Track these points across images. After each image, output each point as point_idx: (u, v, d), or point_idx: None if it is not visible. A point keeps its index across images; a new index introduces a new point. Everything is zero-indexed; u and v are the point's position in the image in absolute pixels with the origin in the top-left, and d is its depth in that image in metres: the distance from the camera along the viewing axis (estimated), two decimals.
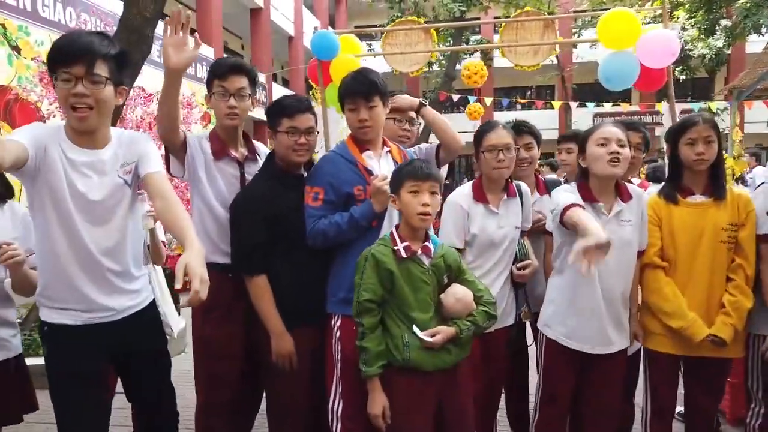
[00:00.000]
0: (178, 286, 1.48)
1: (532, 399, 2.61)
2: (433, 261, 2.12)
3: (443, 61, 17.69)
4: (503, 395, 2.85)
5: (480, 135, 2.47)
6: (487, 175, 2.46)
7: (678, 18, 15.53)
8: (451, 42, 16.89)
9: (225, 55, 14.98)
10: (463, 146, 2.66)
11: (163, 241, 2.76)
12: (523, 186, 2.63)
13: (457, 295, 2.10)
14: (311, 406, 2.36)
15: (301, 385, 2.32)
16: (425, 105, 2.77)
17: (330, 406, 2.28)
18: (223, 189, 2.42)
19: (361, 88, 2.31)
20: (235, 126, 2.44)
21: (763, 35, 13.21)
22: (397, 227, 2.17)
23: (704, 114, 2.44)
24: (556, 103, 15.11)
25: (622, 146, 2.23)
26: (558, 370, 2.35)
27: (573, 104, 15.06)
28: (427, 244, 2.13)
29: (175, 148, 2.38)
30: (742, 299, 2.26)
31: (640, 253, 2.36)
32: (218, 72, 2.39)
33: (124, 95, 1.89)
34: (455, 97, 15.01)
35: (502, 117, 14.67)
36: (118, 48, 1.85)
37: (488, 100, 14.06)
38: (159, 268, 2.91)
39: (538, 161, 3.16)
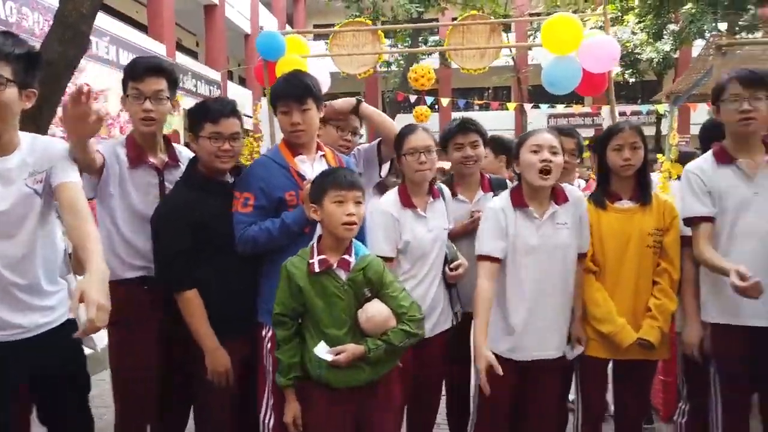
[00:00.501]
0: (71, 315, 1.40)
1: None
2: (351, 275, 2.04)
3: (401, 62, 17.74)
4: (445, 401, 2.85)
5: (400, 138, 2.46)
6: (411, 179, 2.44)
7: (628, 22, 15.98)
8: (410, 42, 16.96)
9: (177, 53, 14.68)
10: None
11: None
12: (444, 188, 2.63)
13: (368, 313, 2.01)
14: (241, 418, 2.30)
15: (230, 397, 2.25)
16: (361, 101, 2.75)
17: (261, 418, 2.23)
18: (134, 203, 2.30)
19: (293, 91, 2.26)
20: (151, 132, 2.32)
21: (707, 40, 13.70)
22: (319, 238, 2.10)
23: (630, 120, 2.49)
24: (511, 105, 15.32)
25: (554, 153, 2.23)
26: (495, 380, 2.34)
27: (527, 105, 15.31)
28: (345, 257, 2.05)
29: (91, 173, 2.21)
30: (667, 302, 2.31)
31: (582, 256, 2.36)
32: (133, 73, 2.26)
33: (32, 98, 1.78)
34: (413, 98, 15.06)
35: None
36: (25, 48, 1.75)
37: (445, 101, 14.16)
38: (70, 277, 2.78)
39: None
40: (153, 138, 2.36)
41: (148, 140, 2.35)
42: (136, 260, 2.30)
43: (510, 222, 2.27)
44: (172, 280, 2.21)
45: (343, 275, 2.04)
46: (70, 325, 2.01)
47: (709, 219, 2.25)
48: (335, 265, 2.03)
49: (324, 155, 2.38)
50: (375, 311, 2.02)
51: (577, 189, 2.48)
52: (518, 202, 2.28)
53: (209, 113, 2.22)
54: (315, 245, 2.07)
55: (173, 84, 2.34)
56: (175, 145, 2.50)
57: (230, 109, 2.25)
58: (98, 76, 8.48)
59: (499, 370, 2.06)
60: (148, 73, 2.25)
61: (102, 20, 10.78)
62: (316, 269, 2.01)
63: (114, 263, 2.24)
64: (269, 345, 2.21)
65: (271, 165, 2.29)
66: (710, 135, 2.81)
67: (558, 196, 2.32)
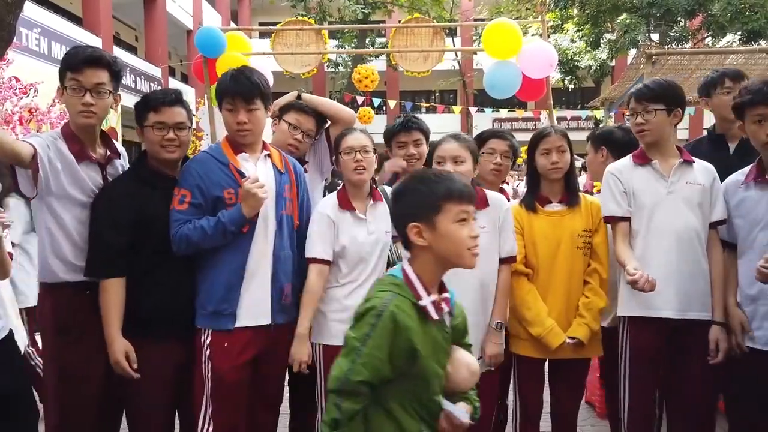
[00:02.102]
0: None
1: None
2: (454, 321, 1.56)
3: (349, 63, 17.74)
4: None
5: (338, 139, 2.47)
6: (349, 179, 2.44)
7: (567, 30, 16.54)
8: (356, 43, 16.98)
9: (115, 47, 14.14)
10: (353, 116, 2.76)
11: (9, 253, 2.48)
12: (389, 191, 2.64)
13: (472, 366, 1.56)
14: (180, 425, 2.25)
15: (164, 404, 2.19)
16: (302, 92, 2.77)
17: (199, 427, 2.16)
18: (80, 200, 2.16)
19: (241, 89, 2.20)
20: (91, 125, 2.19)
21: (640, 49, 14.35)
22: (409, 261, 1.55)
23: (556, 125, 2.59)
24: (456, 108, 15.58)
25: (457, 162, 2.26)
26: None
27: (472, 109, 15.60)
28: (446, 294, 1.54)
29: (24, 165, 2.04)
30: (596, 299, 2.40)
31: (510, 260, 2.36)
32: (72, 63, 2.10)
33: None
34: (360, 99, 15.08)
35: None
36: None
37: (392, 103, 14.25)
38: (3, 282, 2.64)
39: None
40: (92, 131, 2.23)
41: (87, 134, 2.21)
42: (80, 261, 2.17)
43: None
44: (97, 266, 2.13)
45: (447, 320, 1.55)
46: (7, 343, 1.91)
47: (625, 219, 2.38)
48: (445, 308, 1.52)
49: (269, 155, 2.33)
50: (471, 360, 1.59)
51: (498, 193, 2.47)
52: None
53: (151, 102, 2.19)
54: (413, 277, 1.50)
55: (115, 77, 2.19)
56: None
57: (173, 98, 2.20)
58: (28, 69, 8.07)
59: None
60: (88, 64, 2.10)
61: (32, 10, 10.26)
62: (434, 315, 1.47)
63: (56, 265, 2.14)
64: (208, 351, 2.15)
65: (210, 161, 2.23)
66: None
67: (479, 200, 2.29)
